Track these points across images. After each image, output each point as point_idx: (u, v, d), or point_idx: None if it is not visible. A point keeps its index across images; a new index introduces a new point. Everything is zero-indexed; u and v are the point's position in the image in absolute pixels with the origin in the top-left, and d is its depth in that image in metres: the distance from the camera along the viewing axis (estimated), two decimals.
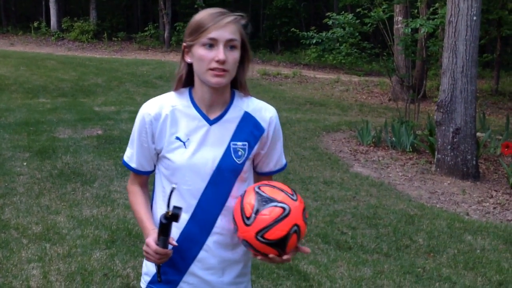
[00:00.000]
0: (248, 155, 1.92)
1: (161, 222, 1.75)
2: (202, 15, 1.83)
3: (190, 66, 1.89)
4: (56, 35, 22.82)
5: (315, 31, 9.89)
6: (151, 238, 1.80)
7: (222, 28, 1.78)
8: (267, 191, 1.80)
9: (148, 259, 1.83)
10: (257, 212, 1.76)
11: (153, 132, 1.90)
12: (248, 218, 1.77)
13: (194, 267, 1.93)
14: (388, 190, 6.63)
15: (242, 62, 1.90)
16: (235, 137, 1.90)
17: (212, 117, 1.90)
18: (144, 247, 1.81)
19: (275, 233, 1.74)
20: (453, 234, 5.23)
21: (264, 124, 1.95)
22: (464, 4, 7.05)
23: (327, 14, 9.69)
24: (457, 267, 4.48)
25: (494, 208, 6.34)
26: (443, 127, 7.41)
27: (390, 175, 7.44)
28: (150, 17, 27.29)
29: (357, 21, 9.24)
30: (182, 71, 1.91)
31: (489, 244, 5.04)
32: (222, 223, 1.91)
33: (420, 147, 8.84)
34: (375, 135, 9.06)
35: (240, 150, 1.91)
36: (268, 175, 2.04)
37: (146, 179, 2.03)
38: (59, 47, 21.48)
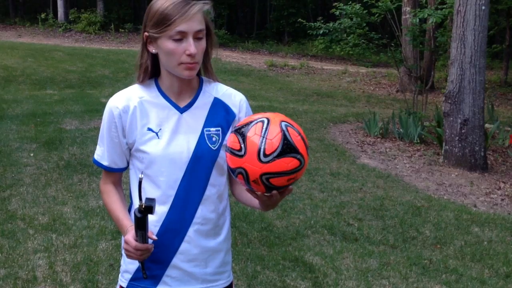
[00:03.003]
0: (223, 140, 1.87)
1: (135, 217, 1.69)
2: (166, 4, 1.74)
3: (154, 56, 1.83)
4: (64, 26, 22.82)
5: (322, 21, 9.82)
6: (130, 235, 1.75)
7: (190, 19, 1.73)
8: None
9: (130, 257, 1.77)
10: (243, 139, 1.67)
11: (123, 126, 1.85)
12: (239, 150, 1.68)
13: (177, 260, 1.88)
14: (395, 182, 6.60)
15: (207, 47, 1.85)
16: (207, 123, 1.86)
17: (182, 105, 1.86)
18: (124, 245, 1.77)
19: (272, 143, 1.64)
20: (460, 226, 5.20)
21: (234, 109, 1.91)
22: None
23: (334, 4, 9.62)
24: (464, 259, 4.45)
25: (502, 200, 6.29)
26: (451, 118, 7.35)
27: (397, 166, 7.40)
28: None
29: (365, 11, 9.17)
30: (146, 62, 1.84)
31: (496, 236, 5.01)
32: (203, 212, 1.87)
33: (428, 139, 8.79)
34: (383, 127, 9.01)
35: (214, 136, 1.86)
36: None
37: (119, 177, 1.97)
38: (66, 39, 21.48)
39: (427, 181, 6.80)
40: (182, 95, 1.87)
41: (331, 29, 9.44)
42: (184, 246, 1.88)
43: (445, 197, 6.22)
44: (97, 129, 8.07)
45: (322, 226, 4.93)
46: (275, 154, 1.62)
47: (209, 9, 1.83)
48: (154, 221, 1.85)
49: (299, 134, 1.68)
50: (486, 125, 8.37)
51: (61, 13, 23.70)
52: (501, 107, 13.53)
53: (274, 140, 1.63)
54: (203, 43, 1.79)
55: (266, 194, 1.71)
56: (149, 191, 1.84)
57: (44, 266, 3.90)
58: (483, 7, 7.01)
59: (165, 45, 1.76)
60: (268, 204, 1.79)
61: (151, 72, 1.88)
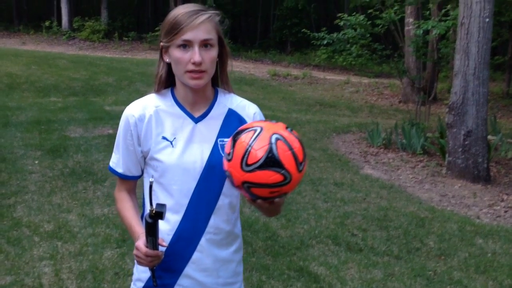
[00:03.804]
0: None
1: (146, 222, 1.71)
2: (176, 13, 1.80)
3: (169, 65, 1.87)
4: (68, 34, 22.93)
5: (326, 32, 9.87)
6: (141, 241, 1.76)
7: (196, 28, 1.76)
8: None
9: (140, 264, 1.79)
10: (234, 143, 1.68)
11: (139, 134, 1.88)
12: (228, 154, 1.69)
13: (189, 269, 1.90)
14: (398, 193, 6.61)
15: (221, 59, 1.89)
16: (221, 133, 1.88)
17: (196, 115, 1.89)
18: (134, 251, 1.78)
19: (256, 153, 1.62)
20: (464, 238, 5.21)
21: (248, 120, 1.93)
22: (476, 6, 7.01)
23: (338, 15, 9.68)
24: (468, 271, 4.46)
25: (506, 211, 6.30)
26: (455, 130, 7.37)
27: (401, 177, 7.41)
28: (160, 17, 27.31)
29: (368, 22, 9.22)
30: (161, 71, 1.89)
31: (500, 247, 5.01)
32: (215, 222, 1.89)
33: (431, 150, 8.80)
34: (386, 137, 9.03)
35: None
36: None
37: (133, 185, 1.99)
38: (70, 46, 21.58)
39: (430, 192, 6.81)
40: (197, 105, 1.90)
41: (335, 40, 9.49)
42: (196, 255, 1.89)
43: (448, 209, 6.23)
44: (101, 137, 8.11)
45: (327, 236, 4.94)
46: (256, 165, 1.62)
47: (221, 19, 1.86)
48: (167, 229, 1.87)
49: (290, 149, 1.65)
50: (489, 137, 8.38)
51: (65, 21, 23.83)
52: (503, 118, 13.55)
53: (258, 151, 1.62)
54: (211, 52, 1.80)
55: (252, 201, 1.73)
56: (162, 200, 1.86)
57: (50, 273, 3.91)
58: (487, 20, 7.05)
59: (173, 53, 1.81)
60: (264, 210, 1.80)
61: (168, 81, 1.92)
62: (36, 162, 6.60)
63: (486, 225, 5.68)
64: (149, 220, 1.70)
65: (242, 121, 1.93)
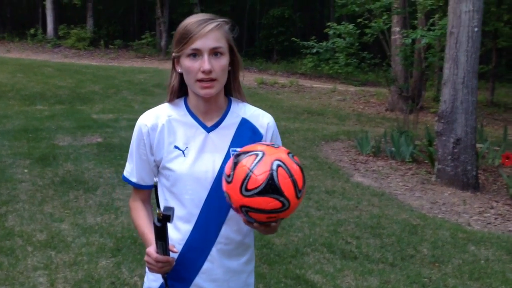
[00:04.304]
0: None
1: (155, 226, 1.70)
2: (186, 23, 1.80)
3: (182, 75, 1.87)
4: (53, 42, 22.80)
5: (315, 40, 9.92)
6: (152, 247, 1.76)
7: (205, 36, 1.76)
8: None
9: (151, 270, 1.79)
10: (235, 166, 1.68)
11: (151, 143, 1.88)
12: (228, 176, 1.69)
13: (199, 279, 1.89)
14: (389, 200, 6.64)
15: (233, 67, 1.88)
16: (234, 143, 1.87)
17: (209, 124, 1.88)
18: (145, 257, 1.78)
19: (256, 179, 1.62)
20: (457, 245, 5.24)
21: (262, 130, 1.93)
22: (465, 16, 7.11)
23: (327, 24, 9.74)
24: (463, 278, 4.49)
25: (495, 218, 6.35)
26: (444, 138, 7.44)
27: (391, 185, 7.45)
28: (146, 25, 27.31)
29: (358, 31, 9.29)
30: (174, 81, 1.89)
31: (492, 254, 5.05)
32: (226, 232, 1.87)
33: (419, 157, 8.87)
34: (375, 145, 9.08)
35: None
36: None
37: (148, 194, 1.99)
38: (55, 54, 21.44)
39: (421, 200, 6.86)
40: (210, 114, 1.89)
41: (324, 48, 9.54)
42: (207, 265, 1.88)
43: (439, 216, 6.27)
44: (90, 145, 8.06)
45: (321, 244, 4.95)
46: (256, 191, 1.62)
47: (231, 27, 1.86)
48: (178, 239, 1.86)
49: (291, 176, 1.65)
50: (476, 145, 8.46)
51: (50, 28, 23.70)
52: (489, 127, 13.70)
53: (259, 177, 1.62)
54: (222, 60, 1.80)
55: (248, 222, 1.74)
56: (174, 209, 1.85)
57: (45, 283, 3.86)
58: (476, 29, 7.14)
59: (184, 63, 1.81)
60: (259, 231, 1.80)
61: (181, 91, 1.91)
62: (26, 171, 6.54)
63: (477, 232, 5.73)
64: (158, 224, 1.69)
65: (255, 131, 1.92)
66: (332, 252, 4.80)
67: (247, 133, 1.90)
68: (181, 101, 1.92)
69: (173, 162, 1.85)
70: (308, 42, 9.78)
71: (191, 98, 1.90)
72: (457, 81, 7.28)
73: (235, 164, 1.67)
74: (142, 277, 4.01)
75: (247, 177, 1.63)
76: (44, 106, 12.08)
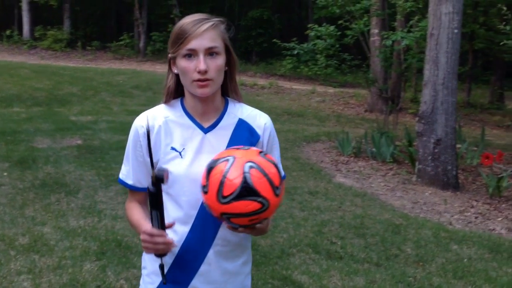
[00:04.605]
0: None
1: (149, 192, 1.67)
2: (181, 24, 1.79)
3: (178, 76, 1.86)
4: (29, 43, 22.52)
5: (296, 42, 9.95)
6: (148, 225, 1.73)
7: (200, 36, 1.75)
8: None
9: (147, 250, 1.74)
10: (208, 175, 1.67)
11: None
12: (204, 186, 1.68)
13: (196, 281, 1.87)
14: (372, 200, 6.69)
15: (229, 67, 1.87)
16: (231, 144, 1.86)
17: (206, 125, 1.87)
18: (141, 236, 1.72)
19: (231, 185, 1.62)
20: (440, 244, 5.30)
21: (259, 131, 1.91)
22: (445, 17, 7.19)
23: (309, 25, 9.77)
24: (447, 276, 4.53)
25: (476, 217, 6.44)
26: (424, 138, 7.52)
27: (372, 185, 7.50)
28: (124, 27, 27.13)
29: (339, 33, 9.35)
30: (170, 82, 1.88)
31: (475, 253, 5.12)
32: (223, 233, 1.85)
33: (400, 158, 8.95)
34: (355, 146, 9.14)
35: None
36: None
37: (144, 196, 1.94)
38: (31, 56, 21.17)
39: (403, 200, 6.91)
40: (207, 115, 1.87)
41: (305, 50, 9.58)
42: (204, 267, 1.86)
43: (421, 215, 6.33)
44: (70, 147, 7.96)
45: (306, 244, 4.96)
46: (232, 196, 1.62)
47: (227, 27, 1.85)
48: (175, 241, 1.84)
49: (265, 175, 1.64)
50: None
51: (27, 30, 23.40)
52: (466, 127, 13.88)
53: (233, 182, 1.61)
54: (217, 60, 1.78)
55: (233, 228, 1.73)
56: (171, 211, 1.83)
57: None
58: (456, 31, 7.23)
59: (180, 63, 1.79)
60: (250, 234, 1.80)
61: (177, 92, 1.90)
62: (5, 174, 6.44)
63: (459, 231, 5.79)
64: (152, 189, 1.66)
65: (252, 131, 1.91)
66: (317, 253, 4.81)
67: (244, 134, 1.89)
68: (177, 102, 1.91)
69: (170, 163, 1.83)
70: (290, 44, 9.80)
71: (188, 99, 1.88)
72: (437, 82, 7.37)
73: (208, 173, 1.67)
74: (128, 280, 3.98)
75: (221, 184, 1.62)
76: (21, 108, 11.92)
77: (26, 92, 13.66)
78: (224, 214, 1.66)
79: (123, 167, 1.94)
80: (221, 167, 1.65)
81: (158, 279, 1.86)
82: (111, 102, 13.59)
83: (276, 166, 1.72)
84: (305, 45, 9.62)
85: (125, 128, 9.95)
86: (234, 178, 1.62)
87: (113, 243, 4.63)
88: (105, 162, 7.25)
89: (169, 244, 1.72)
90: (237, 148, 1.74)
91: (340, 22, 9.47)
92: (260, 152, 1.73)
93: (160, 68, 20.09)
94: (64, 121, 10.22)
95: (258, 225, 1.71)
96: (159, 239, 1.70)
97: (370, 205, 6.43)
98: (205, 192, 1.68)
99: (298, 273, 4.34)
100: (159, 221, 1.69)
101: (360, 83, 18.55)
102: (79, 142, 8.40)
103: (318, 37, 9.73)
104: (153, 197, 1.67)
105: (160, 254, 1.75)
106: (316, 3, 11.14)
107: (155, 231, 1.69)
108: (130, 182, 1.92)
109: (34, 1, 23.26)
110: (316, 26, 9.60)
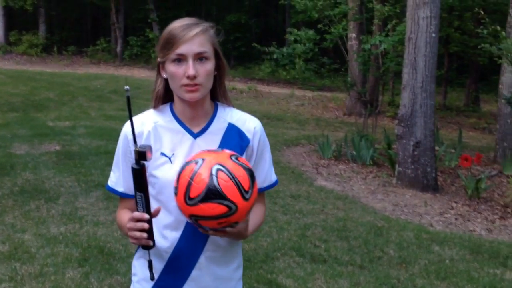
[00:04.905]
0: None
1: (133, 170, 1.64)
2: (170, 28, 1.78)
3: (167, 81, 1.84)
4: (4, 48, 22.20)
5: (276, 46, 9.98)
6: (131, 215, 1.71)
7: (190, 41, 1.74)
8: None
9: (132, 238, 1.69)
10: (178, 177, 1.67)
11: None
12: (175, 188, 1.68)
13: (188, 287, 1.85)
14: (353, 203, 6.73)
15: (218, 72, 1.86)
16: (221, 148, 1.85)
17: (196, 130, 1.85)
18: (127, 225, 1.70)
19: (197, 187, 1.62)
20: (421, 245, 5.35)
21: (249, 135, 1.90)
22: (423, 21, 7.28)
23: (288, 29, 9.81)
24: (430, 277, 4.58)
25: (456, 219, 6.51)
26: (404, 141, 7.59)
27: (353, 188, 7.55)
28: (100, 31, 26.90)
29: (318, 37, 9.40)
30: (159, 87, 1.86)
31: (456, 254, 5.17)
32: (214, 239, 1.84)
33: (379, 160, 9.02)
34: (336, 149, 9.19)
35: None
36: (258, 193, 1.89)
37: (134, 203, 1.94)
38: (6, 61, 20.87)
39: (384, 202, 6.97)
40: (196, 120, 1.86)
41: (285, 54, 9.61)
42: (195, 273, 1.85)
43: (402, 217, 6.39)
44: (48, 153, 7.86)
45: (290, 248, 4.96)
46: (198, 198, 1.61)
47: (217, 32, 1.85)
48: (166, 247, 1.83)
49: (232, 178, 1.63)
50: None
51: (1, 35, 23.09)
52: (442, 130, 14.03)
53: (199, 184, 1.61)
54: (207, 65, 1.77)
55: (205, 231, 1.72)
56: (161, 218, 1.80)
57: None
58: (433, 35, 7.32)
59: (168, 68, 1.78)
60: (226, 237, 1.77)
61: (166, 97, 1.88)
62: None
63: (440, 232, 5.86)
64: (136, 166, 1.64)
65: (242, 135, 1.90)
66: (301, 256, 4.82)
67: (234, 138, 1.88)
68: (166, 107, 1.89)
69: (160, 169, 1.81)
70: (269, 48, 9.83)
71: (177, 104, 1.86)
72: (416, 86, 7.45)
73: (178, 175, 1.67)
74: (112, 286, 3.93)
75: (188, 186, 1.62)
76: None
77: (2, 97, 13.45)
78: (192, 216, 1.65)
79: (112, 174, 1.91)
80: (189, 169, 1.65)
81: (148, 285, 1.85)
82: (88, 107, 13.43)
83: (248, 170, 1.68)
84: (284, 49, 9.65)
85: (104, 134, 9.86)
86: (201, 181, 1.61)
87: (96, 249, 4.58)
88: (84, 168, 7.17)
89: (143, 231, 1.68)
90: (209, 151, 1.73)
91: (319, 26, 9.52)
92: (232, 155, 1.71)
93: (138, 73, 19.98)
94: (42, 127, 10.09)
95: (228, 229, 1.68)
96: (139, 224, 1.66)
97: (351, 208, 6.46)
98: (175, 194, 1.67)
99: (283, 276, 4.35)
100: (144, 204, 1.67)
101: (338, 87, 18.67)
102: (58, 148, 8.30)
103: (297, 41, 9.77)
104: (137, 176, 1.65)
105: (145, 246, 1.72)
106: (294, 7, 11.18)
107: (137, 214, 1.67)
108: (120, 189, 1.90)
109: (8, 6, 22.94)
110: (295, 30, 9.64)
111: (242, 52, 24.05)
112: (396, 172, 7.87)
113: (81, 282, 3.99)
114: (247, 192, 1.65)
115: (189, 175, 1.63)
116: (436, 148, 9.29)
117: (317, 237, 5.32)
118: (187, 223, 1.82)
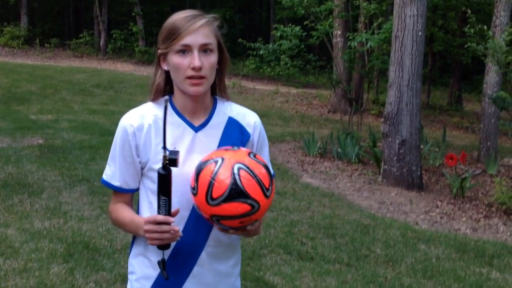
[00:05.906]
0: None
1: (159, 175, 1.62)
2: (174, 19, 1.75)
3: (167, 73, 1.81)
4: None
5: (262, 42, 9.95)
6: (150, 216, 1.68)
7: (195, 32, 1.71)
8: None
9: (152, 240, 1.66)
10: (197, 177, 1.65)
11: (137, 144, 1.79)
12: (193, 188, 1.66)
13: (189, 284, 1.82)
14: (339, 201, 6.73)
15: (220, 66, 1.83)
16: (222, 142, 1.82)
17: (196, 124, 1.82)
18: (145, 227, 1.66)
19: (220, 187, 1.60)
20: (408, 244, 5.36)
21: (249, 129, 1.89)
22: (410, 20, 7.30)
23: (274, 26, 9.77)
24: (417, 276, 4.59)
25: (441, 217, 6.55)
26: (390, 139, 7.61)
27: (339, 185, 7.55)
28: (83, 24, 26.61)
29: (304, 34, 9.38)
30: (159, 79, 1.83)
31: (442, 252, 5.20)
32: (216, 234, 1.81)
33: (365, 158, 9.04)
34: (321, 146, 9.19)
35: None
36: None
37: (130, 198, 1.89)
38: None
39: (369, 200, 6.98)
40: (197, 113, 1.83)
41: (270, 50, 9.58)
42: (196, 269, 1.82)
43: (388, 215, 6.41)
44: (31, 147, 7.74)
45: (277, 245, 4.94)
46: (221, 198, 1.60)
47: (220, 24, 1.82)
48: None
49: (254, 176, 1.62)
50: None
51: None
52: (427, 128, 14.12)
53: (222, 184, 1.60)
54: (211, 58, 1.75)
55: (224, 230, 1.71)
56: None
57: None
58: (420, 33, 7.35)
59: (172, 59, 1.75)
60: (241, 235, 1.78)
61: (166, 90, 1.84)
62: None
63: (425, 231, 5.88)
64: (162, 172, 1.61)
65: (242, 130, 1.88)
66: (288, 253, 4.80)
67: (235, 132, 1.86)
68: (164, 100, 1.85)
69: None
70: (255, 44, 9.79)
71: (178, 97, 1.83)
72: (402, 84, 7.47)
73: (197, 175, 1.65)
74: (98, 283, 3.88)
75: (210, 186, 1.61)
76: None
77: None
78: (214, 216, 1.64)
79: (107, 167, 1.86)
80: (210, 168, 1.63)
81: (148, 283, 1.82)
82: (71, 101, 13.27)
83: (266, 167, 1.69)
84: (270, 45, 9.62)
85: (87, 128, 9.73)
86: (223, 180, 1.60)
87: (80, 245, 4.51)
88: (68, 162, 7.08)
89: (175, 232, 1.67)
90: (226, 149, 1.71)
91: (306, 22, 9.50)
92: (250, 153, 1.70)
93: (121, 67, 19.79)
94: (24, 120, 9.95)
95: (249, 227, 1.69)
96: (166, 227, 1.65)
97: (338, 206, 6.46)
98: (194, 194, 1.65)
99: (271, 274, 4.32)
100: (167, 208, 1.65)
101: (323, 84, 18.68)
102: (41, 141, 8.18)
103: (282, 37, 9.74)
104: (163, 181, 1.62)
105: (164, 246, 1.70)
106: (280, 3, 11.15)
107: (161, 217, 1.65)
108: (116, 183, 1.84)
109: None
110: (281, 26, 9.61)
111: (227, 48, 23.90)
112: (381, 170, 7.89)
113: (66, 278, 3.92)
114: (267, 189, 1.65)
115: (210, 174, 1.61)
116: (421, 146, 9.35)
117: (304, 235, 5.30)
118: (188, 218, 1.79)
